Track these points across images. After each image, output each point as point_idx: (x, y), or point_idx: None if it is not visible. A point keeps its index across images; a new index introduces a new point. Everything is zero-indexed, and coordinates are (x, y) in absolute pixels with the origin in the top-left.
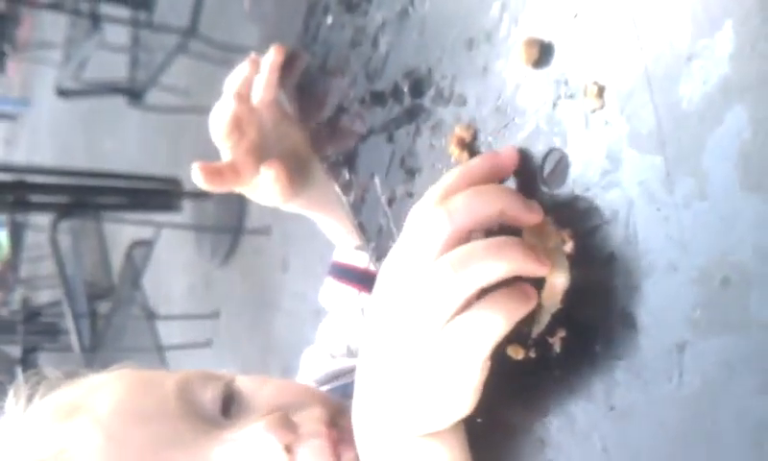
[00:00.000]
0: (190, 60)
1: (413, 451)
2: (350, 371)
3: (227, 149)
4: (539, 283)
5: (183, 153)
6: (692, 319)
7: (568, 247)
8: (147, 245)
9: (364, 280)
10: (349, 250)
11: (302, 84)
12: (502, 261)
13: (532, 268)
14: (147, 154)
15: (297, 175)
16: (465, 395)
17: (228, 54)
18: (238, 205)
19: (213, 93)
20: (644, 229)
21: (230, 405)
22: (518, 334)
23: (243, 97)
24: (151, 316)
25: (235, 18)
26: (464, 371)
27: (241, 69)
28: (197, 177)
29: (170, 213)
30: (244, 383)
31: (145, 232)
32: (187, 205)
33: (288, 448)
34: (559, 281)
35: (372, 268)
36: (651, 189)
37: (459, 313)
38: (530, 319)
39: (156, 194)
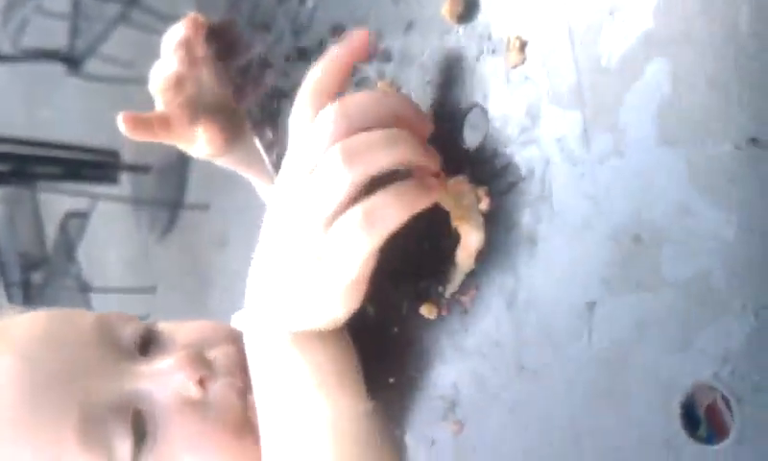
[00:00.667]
0: (133, 32)
1: (292, 348)
2: None
3: (161, 103)
4: (453, 242)
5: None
6: (603, 277)
7: (484, 205)
8: (82, 216)
9: None
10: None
11: (227, 40)
12: (392, 149)
13: (423, 159)
14: (86, 124)
15: (229, 131)
16: (346, 290)
17: (171, 24)
18: (177, 179)
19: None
20: (560, 186)
21: (149, 345)
22: (432, 293)
23: (183, 56)
24: (85, 288)
25: None
26: (349, 263)
27: (179, 27)
28: (122, 126)
29: (108, 185)
30: (164, 326)
31: (80, 203)
32: (126, 177)
33: (201, 383)
34: (473, 240)
35: None
36: (568, 146)
37: (351, 203)
38: (444, 277)
39: (94, 165)
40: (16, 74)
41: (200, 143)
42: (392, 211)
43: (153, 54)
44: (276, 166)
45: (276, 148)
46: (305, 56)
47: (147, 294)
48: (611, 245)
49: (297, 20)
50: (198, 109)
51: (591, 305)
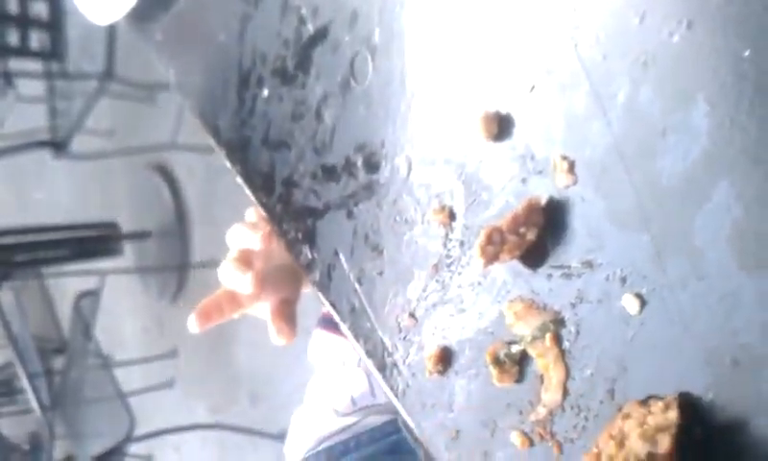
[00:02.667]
0: (111, 102)
1: None
2: (358, 424)
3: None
4: (539, 380)
5: (116, 196)
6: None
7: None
8: (93, 294)
9: None
10: None
11: (249, 162)
12: None
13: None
14: (79, 202)
15: (296, 282)
16: None
17: (149, 91)
18: (180, 240)
19: (138, 131)
20: (640, 309)
21: None
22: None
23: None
24: (107, 364)
25: (149, 55)
26: None
27: (241, 231)
28: (195, 326)
29: (112, 259)
30: None
31: (89, 282)
32: (129, 248)
33: None
34: (556, 375)
35: None
36: (641, 269)
37: None
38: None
39: (96, 241)
40: (3, 164)
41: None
42: None
43: (133, 120)
44: (317, 286)
45: (319, 267)
46: (334, 174)
47: (170, 359)
48: (708, 368)
49: (316, 138)
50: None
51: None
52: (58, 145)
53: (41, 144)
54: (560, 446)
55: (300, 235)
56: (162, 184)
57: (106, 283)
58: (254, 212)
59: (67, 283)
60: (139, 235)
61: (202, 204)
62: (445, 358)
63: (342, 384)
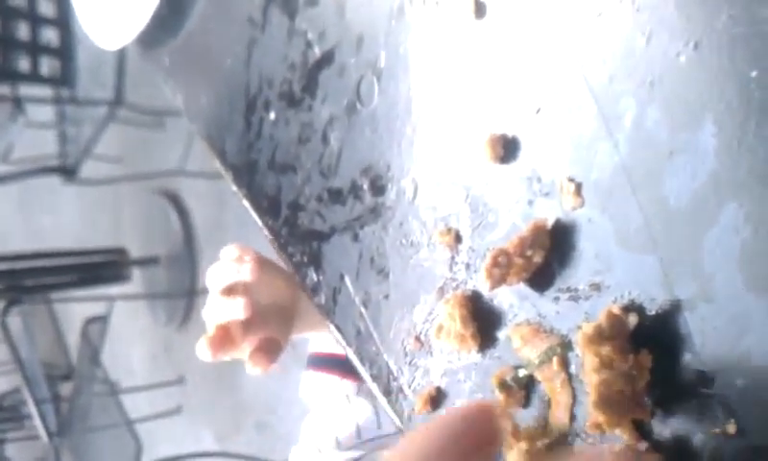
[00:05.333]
0: (120, 128)
1: None
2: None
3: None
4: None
5: (125, 222)
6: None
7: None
8: (101, 320)
9: (345, 367)
10: (325, 338)
11: (255, 185)
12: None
13: None
14: (88, 227)
15: (283, 326)
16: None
17: (158, 117)
18: (189, 266)
19: (147, 157)
20: (648, 331)
21: None
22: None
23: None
24: (115, 391)
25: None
26: None
27: (224, 267)
28: (206, 354)
29: (120, 284)
30: None
31: (97, 307)
32: (137, 274)
33: None
34: (564, 399)
35: None
36: (649, 291)
37: None
38: (543, 435)
39: (104, 266)
40: (12, 190)
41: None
42: None
43: (142, 147)
44: (323, 309)
45: (324, 290)
46: (339, 197)
47: (177, 385)
48: (718, 392)
49: (322, 161)
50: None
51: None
52: (67, 171)
53: (50, 170)
54: None
55: (305, 258)
56: (171, 210)
57: (114, 309)
58: (235, 248)
59: (75, 309)
60: (147, 261)
61: (210, 230)
62: (436, 400)
63: (346, 415)
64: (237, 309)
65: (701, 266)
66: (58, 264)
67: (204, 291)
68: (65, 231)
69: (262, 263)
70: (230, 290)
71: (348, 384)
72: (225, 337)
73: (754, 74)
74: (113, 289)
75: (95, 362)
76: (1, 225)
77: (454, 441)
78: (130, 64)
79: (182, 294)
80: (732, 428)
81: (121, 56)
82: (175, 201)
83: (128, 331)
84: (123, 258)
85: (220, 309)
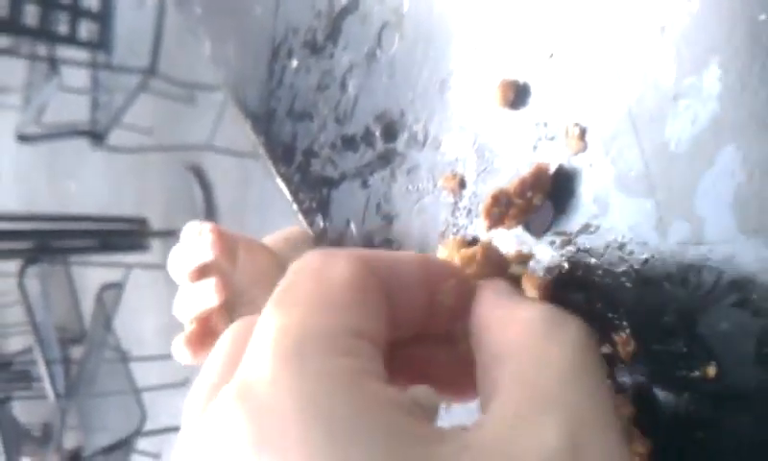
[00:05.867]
0: (151, 99)
1: None
2: None
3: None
4: None
5: (149, 192)
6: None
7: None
8: (117, 287)
9: None
10: None
11: (272, 133)
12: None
13: None
14: (113, 195)
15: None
16: None
17: (190, 90)
18: None
19: (176, 130)
20: (636, 275)
21: None
22: None
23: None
24: (125, 358)
25: (195, 55)
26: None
27: (184, 248)
28: (185, 356)
29: (138, 253)
30: None
31: (114, 274)
32: (156, 244)
33: None
34: None
35: None
36: (643, 235)
37: None
38: None
39: (124, 235)
40: (41, 152)
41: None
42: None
43: (173, 119)
44: None
45: (329, 236)
46: (352, 144)
47: None
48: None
49: (338, 108)
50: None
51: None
52: (96, 136)
53: (80, 133)
54: None
55: (314, 204)
56: (195, 185)
57: (130, 279)
58: (193, 225)
59: (93, 275)
60: (167, 233)
61: (232, 208)
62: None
63: None
64: (209, 293)
65: (694, 209)
66: (78, 228)
67: None
68: (90, 197)
69: (230, 239)
70: (200, 273)
71: None
72: (205, 332)
73: (762, 17)
74: (131, 258)
75: (107, 328)
76: (27, 185)
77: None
78: (166, 36)
79: None
80: (712, 371)
81: (158, 26)
82: (200, 176)
83: (143, 302)
84: (143, 228)
85: (190, 299)
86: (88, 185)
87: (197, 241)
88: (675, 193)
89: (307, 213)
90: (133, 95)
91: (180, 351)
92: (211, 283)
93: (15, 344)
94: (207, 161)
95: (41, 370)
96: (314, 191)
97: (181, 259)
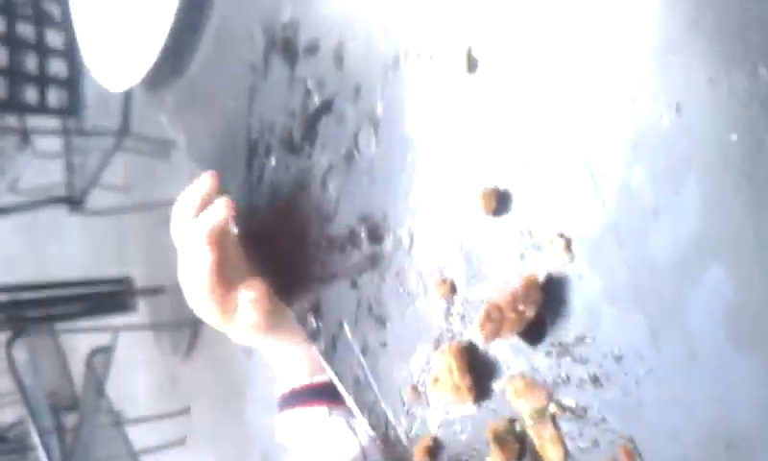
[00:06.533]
0: (126, 157)
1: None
2: None
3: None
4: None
5: (130, 251)
6: None
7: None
8: (106, 351)
9: (333, 395)
10: (299, 375)
11: (253, 229)
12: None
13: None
14: (93, 256)
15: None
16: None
17: (164, 146)
18: None
19: (153, 187)
20: (637, 389)
21: None
22: None
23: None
24: (119, 422)
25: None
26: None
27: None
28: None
29: (126, 314)
30: None
31: (102, 338)
32: (142, 303)
33: None
34: (554, 455)
35: None
36: (637, 348)
37: None
38: None
39: (109, 296)
40: (18, 221)
41: (244, 316)
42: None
43: (147, 176)
44: (324, 356)
45: (323, 337)
46: (337, 244)
47: (182, 416)
48: (703, 451)
49: (321, 208)
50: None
51: None
52: (73, 201)
53: (57, 200)
54: None
55: (306, 304)
56: None
57: (119, 340)
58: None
59: (80, 340)
60: (153, 291)
61: None
62: (432, 450)
63: (346, 441)
64: (218, 209)
65: (686, 325)
66: (63, 294)
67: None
68: (71, 262)
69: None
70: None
71: (340, 415)
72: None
73: (734, 138)
74: (118, 320)
75: (100, 393)
76: (7, 255)
77: None
78: (136, 95)
79: (188, 323)
80: None
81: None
82: None
83: (133, 362)
84: (128, 288)
85: (194, 226)
86: (69, 250)
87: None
88: (665, 308)
89: (299, 313)
90: (108, 157)
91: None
92: (221, 202)
93: (7, 415)
94: None
95: (35, 440)
96: (303, 291)
97: (188, 201)
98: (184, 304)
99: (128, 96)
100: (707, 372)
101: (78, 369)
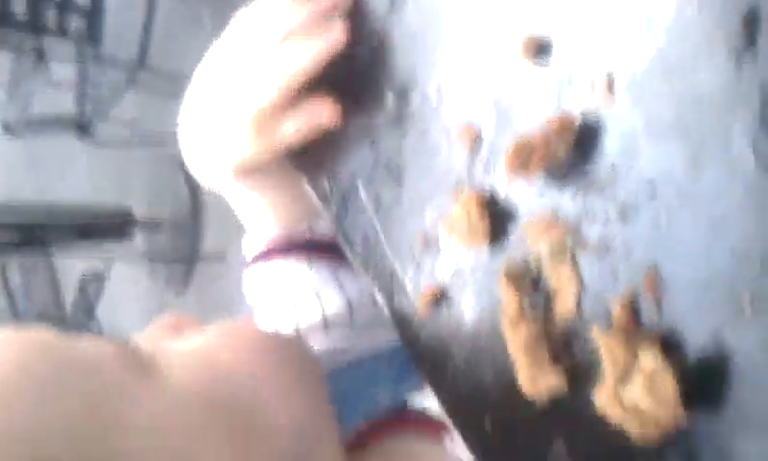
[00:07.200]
0: (137, 92)
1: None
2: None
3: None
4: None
5: (134, 186)
6: (734, 301)
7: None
8: (100, 277)
9: (316, 249)
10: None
11: None
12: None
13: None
14: (98, 187)
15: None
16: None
17: (177, 83)
18: (191, 232)
19: (161, 123)
20: (668, 218)
21: None
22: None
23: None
24: None
25: (185, 47)
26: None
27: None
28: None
29: (122, 243)
30: None
31: (98, 265)
32: (139, 236)
33: None
34: (571, 288)
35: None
36: (674, 178)
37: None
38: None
39: (108, 225)
40: (27, 147)
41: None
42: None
43: (157, 112)
44: (333, 217)
45: (335, 197)
46: (362, 103)
47: None
48: (737, 270)
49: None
50: None
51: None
52: (83, 129)
53: (67, 125)
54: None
55: (321, 163)
56: (180, 177)
57: (113, 270)
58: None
59: (75, 265)
60: (151, 224)
61: (216, 201)
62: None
63: (334, 292)
64: (334, 35)
65: (728, 152)
66: (62, 220)
67: (206, 258)
68: (75, 190)
69: None
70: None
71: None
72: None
73: None
74: (115, 248)
75: (90, 316)
76: (12, 179)
77: None
78: (155, 29)
79: (184, 259)
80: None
81: (147, 20)
82: (185, 168)
83: (126, 292)
84: (127, 219)
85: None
86: (74, 179)
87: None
88: (708, 136)
89: (312, 175)
90: (121, 89)
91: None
92: (338, 23)
93: None
94: None
95: None
96: (319, 151)
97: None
98: (182, 241)
99: (147, 28)
100: (743, 196)
101: (70, 293)
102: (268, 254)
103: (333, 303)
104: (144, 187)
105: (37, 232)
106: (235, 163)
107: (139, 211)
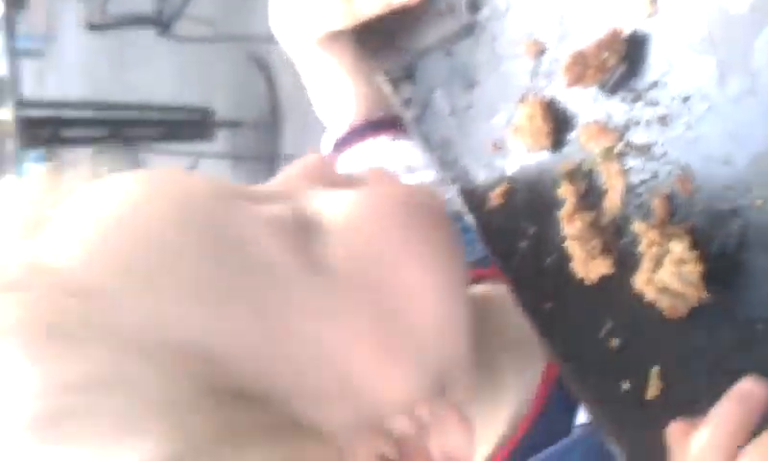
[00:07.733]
0: None
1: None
2: None
3: None
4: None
5: (214, 83)
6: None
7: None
8: None
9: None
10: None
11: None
12: None
13: None
14: (178, 85)
15: None
16: None
17: None
18: (272, 131)
19: (240, 21)
20: (698, 125)
21: None
22: None
23: None
24: None
25: None
26: None
27: None
28: None
29: (203, 142)
30: None
31: (183, 163)
32: (220, 134)
33: None
34: (618, 185)
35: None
36: (704, 89)
37: None
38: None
39: (190, 124)
40: (106, 43)
41: None
42: None
43: (235, 10)
44: (413, 121)
45: (414, 104)
46: (436, 14)
47: None
48: (756, 174)
49: None
50: None
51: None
52: (162, 25)
53: (146, 22)
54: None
55: (401, 73)
56: (259, 76)
57: (199, 166)
58: None
59: (160, 163)
60: (232, 124)
61: (295, 99)
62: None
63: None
64: None
65: (751, 65)
66: (145, 117)
67: (286, 157)
68: (155, 87)
69: None
70: None
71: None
72: None
73: None
74: (199, 147)
75: None
76: (95, 77)
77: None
78: None
79: (264, 158)
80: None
81: None
82: (264, 68)
83: None
84: (208, 118)
85: None
86: (154, 76)
87: None
88: (734, 52)
89: (395, 82)
90: None
91: None
92: None
93: None
94: (271, 52)
95: None
96: (401, 60)
97: None
98: (262, 139)
99: None
100: (764, 107)
101: None
102: (362, 133)
103: (428, 175)
104: (224, 87)
105: (123, 130)
106: (321, 26)
107: (220, 111)
